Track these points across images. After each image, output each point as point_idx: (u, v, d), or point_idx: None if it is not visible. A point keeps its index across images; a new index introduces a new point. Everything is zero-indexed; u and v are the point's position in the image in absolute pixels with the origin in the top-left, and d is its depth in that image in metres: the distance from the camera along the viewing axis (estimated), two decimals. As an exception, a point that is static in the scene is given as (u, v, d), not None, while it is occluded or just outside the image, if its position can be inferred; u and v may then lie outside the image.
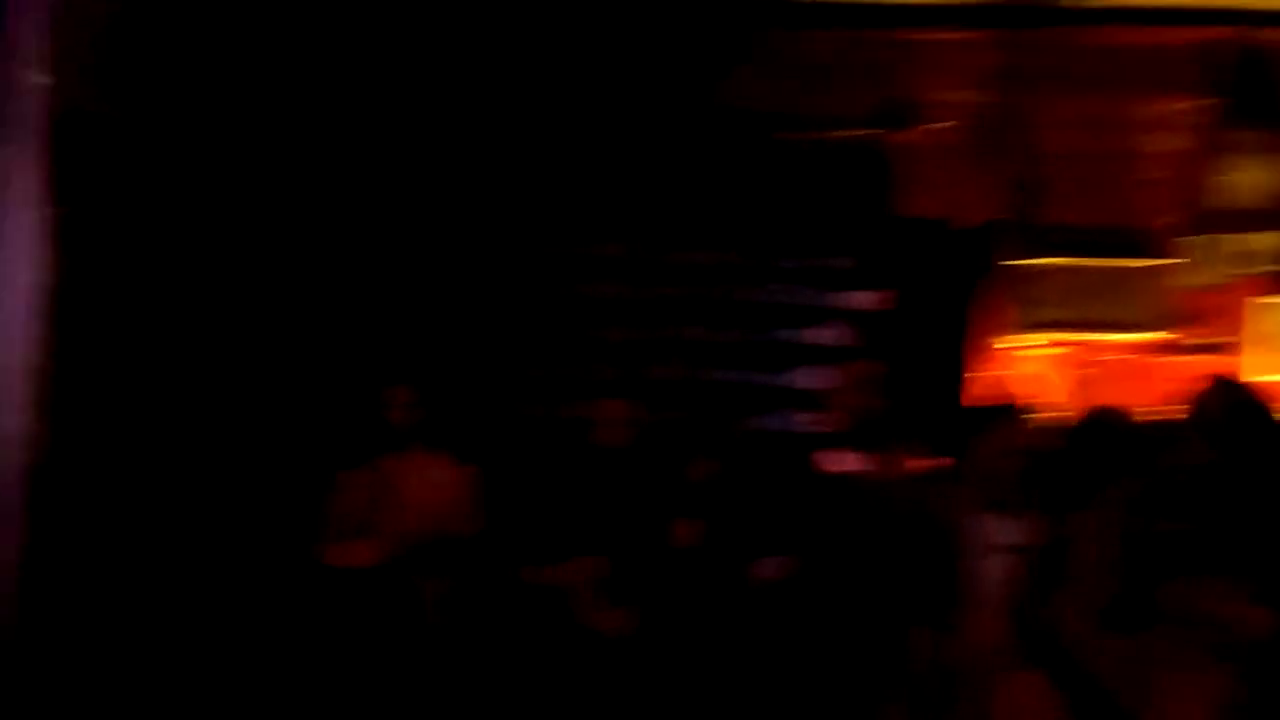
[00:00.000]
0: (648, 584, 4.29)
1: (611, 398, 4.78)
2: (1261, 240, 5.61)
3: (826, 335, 5.65)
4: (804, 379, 5.58)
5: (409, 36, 5.53)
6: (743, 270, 5.78)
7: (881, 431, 3.27)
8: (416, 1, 5.55)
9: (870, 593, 3.08)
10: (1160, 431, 3.05)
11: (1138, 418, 3.56)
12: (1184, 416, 2.86)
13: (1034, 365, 5.65)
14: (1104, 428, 3.14)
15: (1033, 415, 5.02)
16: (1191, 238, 5.65)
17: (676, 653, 4.18)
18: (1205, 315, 5.68)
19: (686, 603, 4.26)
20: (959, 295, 5.68)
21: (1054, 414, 5.14)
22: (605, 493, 4.45)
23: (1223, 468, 2.58)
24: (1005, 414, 4.24)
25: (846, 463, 3.87)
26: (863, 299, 5.66)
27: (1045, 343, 5.69)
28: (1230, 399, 2.74)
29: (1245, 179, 5.61)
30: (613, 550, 4.35)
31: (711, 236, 5.78)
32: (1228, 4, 5.48)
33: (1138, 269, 5.64)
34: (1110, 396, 5.05)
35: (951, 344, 5.65)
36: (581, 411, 4.99)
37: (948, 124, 5.67)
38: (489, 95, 5.63)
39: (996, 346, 5.69)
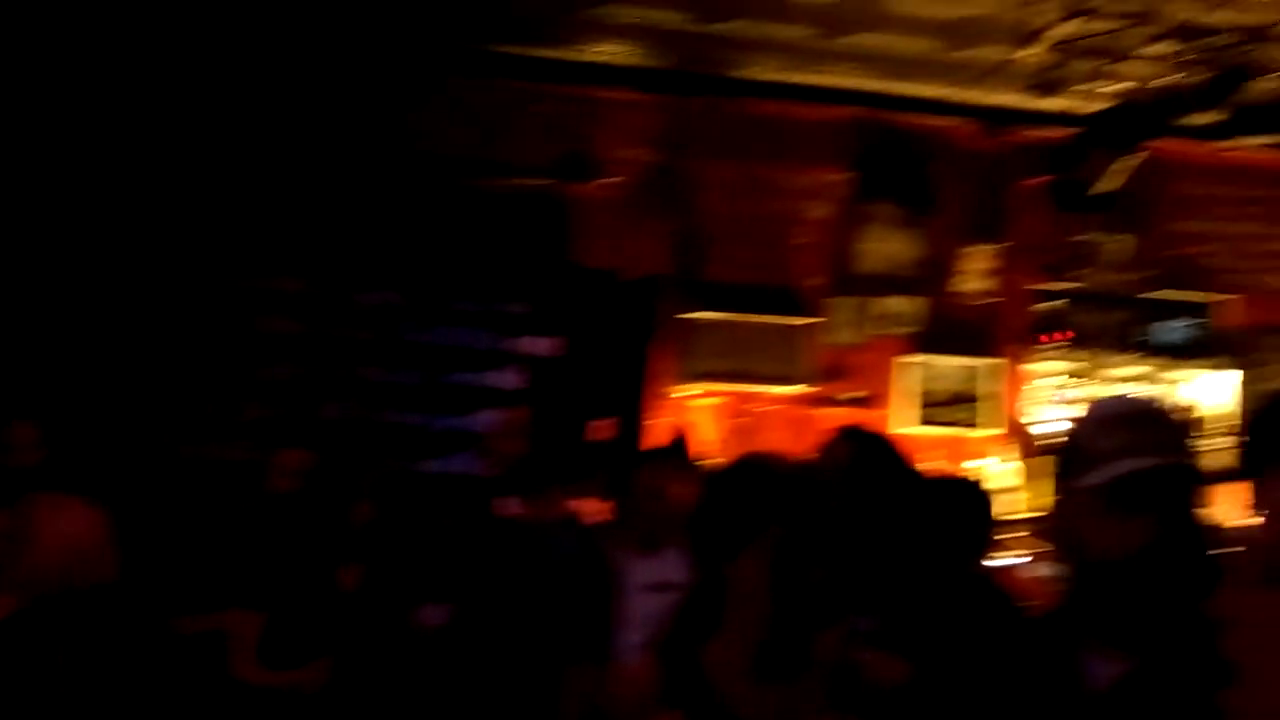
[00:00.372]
0: (314, 632, 4.13)
1: (287, 444, 4.58)
2: (899, 304, 6.14)
3: (503, 379, 5.70)
4: (481, 422, 5.59)
5: (78, 66, 5.15)
6: (420, 312, 5.74)
7: (541, 474, 3.32)
8: (90, 35, 5.16)
9: (528, 634, 3.11)
10: (809, 480, 3.27)
11: (788, 465, 3.79)
12: (817, 465, 3.07)
13: (694, 414, 5.92)
14: (753, 474, 3.31)
15: (693, 460, 5.27)
16: (838, 299, 6.11)
17: (340, 700, 4.03)
18: (850, 371, 6.15)
19: (351, 650, 4.13)
20: (629, 344, 5.88)
21: (711, 460, 5.40)
22: (272, 538, 4.25)
23: (849, 515, 2.74)
24: (662, 458, 4.41)
25: (511, 506, 3.90)
26: (537, 344, 5.76)
27: (703, 392, 5.96)
28: (856, 449, 2.97)
29: (885, 247, 6.14)
30: (278, 597, 4.16)
31: (390, 277, 5.70)
32: (865, 88, 6.02)
33: (790, 326, 6.01)
34: (762, 445, 5.37)
35: (622, 390, 5.84)
36: (250, 453, 4.76)
37: (620, 179, 5.89)
38: (163, 123, 5.31)
39: (663, 394, 5.92)
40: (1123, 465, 1.64)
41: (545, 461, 3.25)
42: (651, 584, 3.43)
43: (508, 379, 5.70)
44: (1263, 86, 4.87)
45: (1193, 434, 1.75)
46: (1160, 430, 1.67)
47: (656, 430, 5.77)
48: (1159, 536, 1.61)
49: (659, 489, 3.75)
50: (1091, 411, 1.78)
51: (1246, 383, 6.31)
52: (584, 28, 5.53)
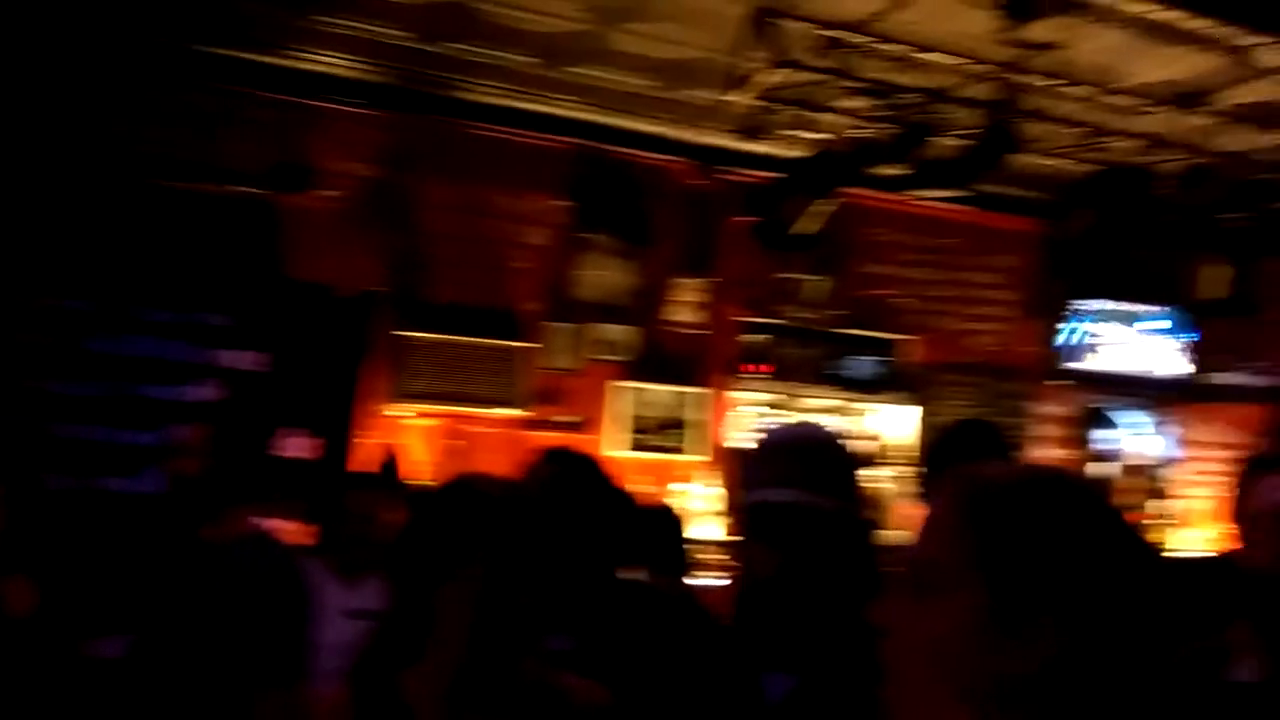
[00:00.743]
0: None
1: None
2: (614, 331, 6.29)
3: (198, 393, 5.40)
4: (172, 438, 5.27)
5: None
6: (111, 320, 5.37)
7: (234, 493, 3.17)
8: None
9: (214, 660, 2.96)
10: (517, 502, 3.27)
11: (498, 488, 3.78)
12: (522, 486, 3.08)
13: (406, 435, 5.83)
14: (462, 496, 3.27)
15: (401, 483, 5.19)
16: (554, 324, 6.19)
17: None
18: (565, 395, 6.24)
19: (16, 683, 3.77)
20: (340, 361, 5.73)
21: (422, 483, 5.33)
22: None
23: (550, 536, 2.74)
24: (371, 482, 4.32)
25: (200, 526, 3.71)
26: (239, 358, 5.51)
27: (417, 413, 5.89)
28: (560, 469, 3.00)
29: (601, 276, 6.27)
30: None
31: (80, 282, 5.31)
32: (586, 119, 6.16)
33: (506, 349, 6.04)
34: (476, 468, 5.34)
35: (330, 409, 5.67)
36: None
37: (338, 193, 5.74)
38: None
39: (375, 414, 5.80)
40: (762, 494, 1.75)
41: (238, 480, 3.11)
42: (353, 610, 3.35)
43: (204, 393, 5.41)
44: (944, 144, 5.33)
45: (857, 465, 1.86)
46: (810, 463, 1.77)
47: (366, 451, 5.65)
48: (790, 560, 1.72)
49: (367, 514, 3.66)
50: (760, 441, 1.88)
51: (924, 416, 6.87)
52: (304, 35, 5.37)
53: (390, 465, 5.38)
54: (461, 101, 5.94)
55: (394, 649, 2.28)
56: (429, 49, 5.43)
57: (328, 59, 5.60)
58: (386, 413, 5.82)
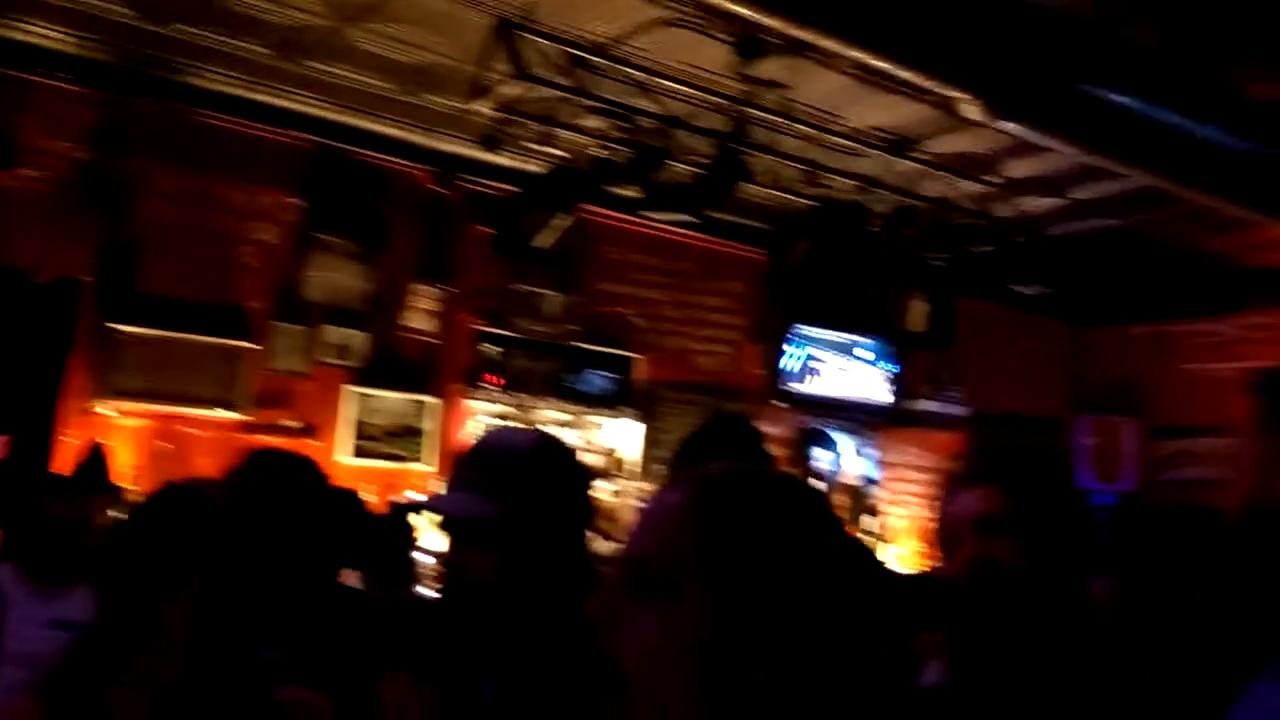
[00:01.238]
0: None
1: None
2: (345, 335, 6.11)
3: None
4: None
5: None
6: None
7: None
8: None
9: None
10: (237, 512, 3.09)
11: (215, 493, 3.59)
12: (226, 490, 2.92)
13: (113, 435, 5.45)
14: (176, 503, 3.11)
15: (110, 484, 4.88)
16: (282, 324, 5.96)
17: None
18: (292, 399, 6.01)
19: None
20: (39, 353, 5.31)
21: (130, 488, 5.03)
22: None
23: (257, 541, 2.61)
24: (73, 485, 4.03)
25: None
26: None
27: (125, 412, 5.51)
28: (267, 472, 2.85)
29: (333, 278, 6.09)
30: None
31: None
32: (323, 117, 5.99)
33: (228, 348, 5.75)
34: (192, 472, 5.07)
35: (26, 404, 5.25)
36: None
37: (44, 172, 5.33)
38: None
39: (79, 411, 5.40)
40: (448, 501, 1.77)
41: None
42: (52, 620, 3.15)
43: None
44: (678, 170, 5.51)
45: (555, 472, 1.84)
46: (491, 470, 1.77)
47: (70, 451, 5.25)
48: (456, 560, 1.75)
49: (68, 519, 3.43)
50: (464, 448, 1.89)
51: (648, 433, 7.07)
52: (13, 2, 4.97)
53: (96, 465, 5.01)
54: (189, 87, 5.65)
55: (99, 662, 2.16)
56: (155, 29, 5.14)
57: (40, 29, 5.19)
58: (93, 411, 5.43)
